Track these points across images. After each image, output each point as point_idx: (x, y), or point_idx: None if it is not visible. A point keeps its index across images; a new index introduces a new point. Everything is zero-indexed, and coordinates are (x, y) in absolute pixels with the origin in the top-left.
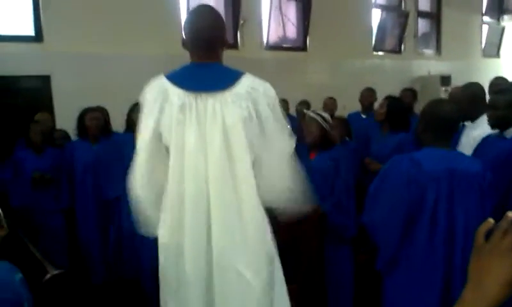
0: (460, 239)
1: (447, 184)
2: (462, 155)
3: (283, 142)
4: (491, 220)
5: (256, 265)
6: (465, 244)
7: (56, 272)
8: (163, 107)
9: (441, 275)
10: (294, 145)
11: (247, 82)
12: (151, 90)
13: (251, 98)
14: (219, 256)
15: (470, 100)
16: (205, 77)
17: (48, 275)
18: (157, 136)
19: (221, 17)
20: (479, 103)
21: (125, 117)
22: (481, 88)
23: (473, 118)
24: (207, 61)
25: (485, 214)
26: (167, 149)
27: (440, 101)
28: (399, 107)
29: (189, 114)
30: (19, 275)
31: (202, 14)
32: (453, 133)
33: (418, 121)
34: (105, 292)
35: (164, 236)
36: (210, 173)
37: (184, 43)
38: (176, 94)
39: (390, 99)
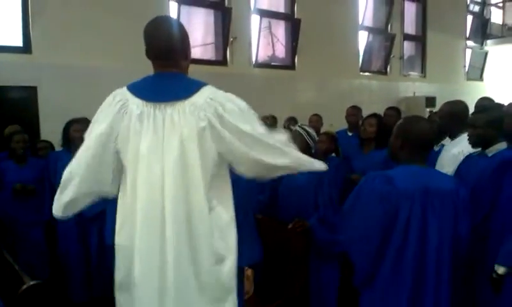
0: (432, 257)
1: (420, 202)
2: (436, 172)
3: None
4: None
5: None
6: (437, 263)
7: (32, 282)
8: (122, 116)
9: (408, 295)
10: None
11: (207, 92)
12: (111, 99)
13: (211, 107)
14: (173, 263)
15: (450, 117)
16: (165, 87)
17: (24, 286)
18: (109, 144)
19: (181, 28)
20: (459, 121)
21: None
22: (463, 106)
23: (453, 135)
24: (167, 70)
25: (459, 232)
26: (120, 161)
27: (416, 118)
28: (387, 125)
29: (147, 124)
30: None
31: (159, 24)
32: (429, 150)
33: (393, 137)
34: None
35: (119, 239)
36: (166, 182)
37: (146, 53)
38: (135, 103)
39: (379, 117)
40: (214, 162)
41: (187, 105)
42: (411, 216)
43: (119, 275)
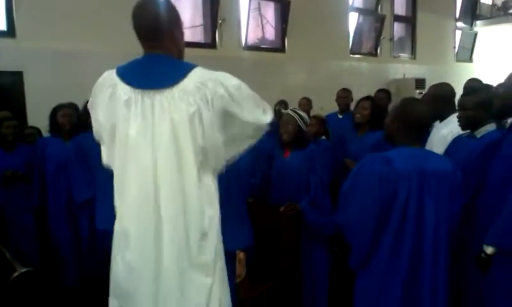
0: (429, 238)
1: (418, 183)
2: (433, 154)
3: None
4: None
5: (201, 266)
6: (434, 243)
7: (23, 270)
8: (111, 101)
9: (404, 276)
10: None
11: (196, 76)
12: (100, 84)
13: (200, 92)
14: (170, 253)
15: (438, 99)
16: (153, 72)
17: (16, 273)
18: (112, 131)
19: (170, 7)
20: (447, 103)
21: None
22: (451, 89)
23: (442, 117)
24: (153, 51)
25: (454, 213)
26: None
27: (413, 100)
28: (380, 108)
29: (134, 109)
30: None
31: (146, 3)
32: (426, 133)
33: (390, 119)
34: (78, 294)
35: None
36: (159, 168)
37: (136, 34)
38: (123, 89)
39: (372, 100)
40: (200, 148)
41: (175, 91)
42: (409, 197)
43: (112, 258)
